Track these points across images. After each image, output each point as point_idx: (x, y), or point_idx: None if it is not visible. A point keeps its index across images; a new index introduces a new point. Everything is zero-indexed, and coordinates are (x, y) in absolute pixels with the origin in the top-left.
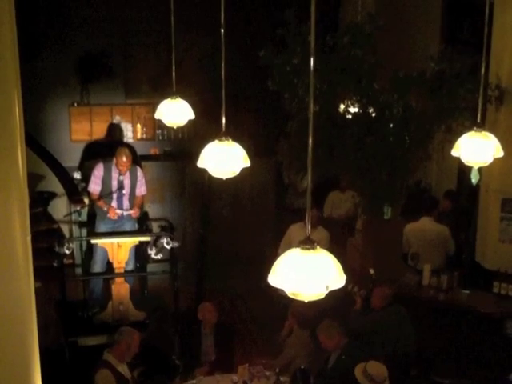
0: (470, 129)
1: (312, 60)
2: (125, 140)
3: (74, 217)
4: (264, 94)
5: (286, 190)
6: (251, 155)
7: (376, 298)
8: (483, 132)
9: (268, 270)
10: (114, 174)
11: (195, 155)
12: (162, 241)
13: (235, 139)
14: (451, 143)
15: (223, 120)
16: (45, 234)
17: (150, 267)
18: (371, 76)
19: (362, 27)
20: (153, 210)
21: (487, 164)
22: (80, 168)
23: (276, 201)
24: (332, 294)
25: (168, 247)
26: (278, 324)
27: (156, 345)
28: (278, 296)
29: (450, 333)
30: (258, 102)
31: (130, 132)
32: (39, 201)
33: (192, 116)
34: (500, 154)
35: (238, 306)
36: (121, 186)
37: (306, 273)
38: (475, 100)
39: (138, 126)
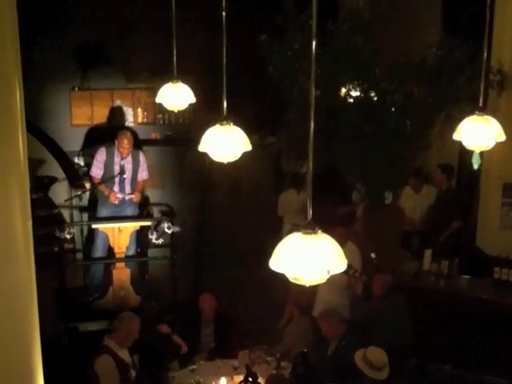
0: (471, 113)
1: (314, 43)
2: (126, 124)
3: (74, 202)
4: (264, 81)
5: (285, 178)
6: (253, 144)
7: (377, 285)
8: (485, 116)
9: (267, 258)
10: (116, 159)
11: (196, 140)
12: (162, 225)
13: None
14: (451, 130)
15: (224, 104)
16: (45, 219)
17: (151, 252)
18: (371, 63)
19: (361, 14)
20: (153, 195)
21: (489, 148)
22: (81, 153)
23: (275, 188)
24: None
25: (169, 232)
26: (277, 312)
27: (152, 332)
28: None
29: (450, 320)
30: (258, 90)
31: (131, 116)
32: (40, 186)
33: (193, 100)
34: (502, 138)
35: (237, 294)
36: (122, 171)
37: (308, 257)
38: (475, 87)
39: (139, 110)
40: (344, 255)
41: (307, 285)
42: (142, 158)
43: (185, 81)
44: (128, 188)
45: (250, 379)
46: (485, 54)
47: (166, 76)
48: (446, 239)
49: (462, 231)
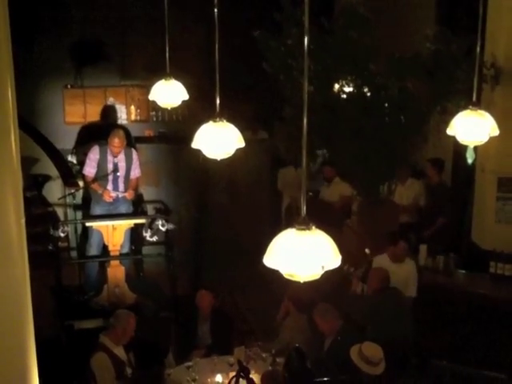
0: (465, 108)
1: (306, 40)
2: (119, 122)
3: (68, 200)
4: (260, 77)
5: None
6: (247, 139)
7: (373, 280)
8: (479, 111)
9: (262, 255)
10: (110, 157)
11: (190, 137)
12: (157, 223)
13: (230, 122)
14: (446, 124)
15: (217, 101)
16: (39, 218)
17: (146, 250)
18: (367, 58)
19: (357, 9)
20: (147, 193)
21: (483, 143)
22: (74, 151)
23: (272, 185)
24: (329, 279)
25: (163, 229)
26: (274, 308)
27: (148, 330)
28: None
29: (446, 314)
30: (254, 86)
31: (124, 114)
32: (34, 184)
33: (186, 97)
34: (496, 132)
35: (234, 292)
36: (115, 169)
37: (302, 253)
38: (471, 81)
39: (132, 107)
40: (338, 252)
41: (302, 281)
42: (134, 155)
43: (178, 77)
44: (122, 186)
45: (242, 374)
46: (478, 49)
47: (159, 73)
48: (432, 235)
49: (448, 227)
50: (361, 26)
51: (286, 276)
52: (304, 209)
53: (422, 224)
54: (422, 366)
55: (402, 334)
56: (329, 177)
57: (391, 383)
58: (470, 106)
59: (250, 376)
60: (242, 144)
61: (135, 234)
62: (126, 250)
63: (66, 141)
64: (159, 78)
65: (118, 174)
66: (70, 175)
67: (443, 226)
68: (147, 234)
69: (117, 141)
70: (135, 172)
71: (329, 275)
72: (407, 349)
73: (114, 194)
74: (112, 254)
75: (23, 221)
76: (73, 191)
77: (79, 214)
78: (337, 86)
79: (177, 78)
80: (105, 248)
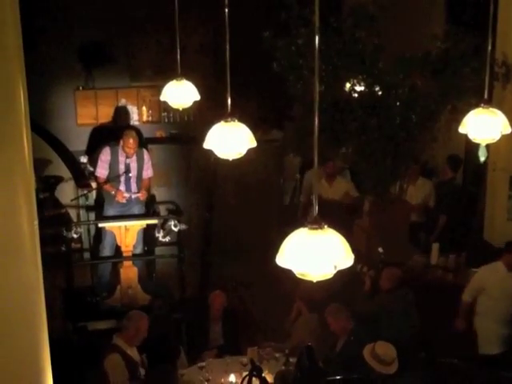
0: (476, 106)
1: (317, 38)
2: (131, 123)
3: (81, 201)
4: (269, 77)
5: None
6: (256, 139)
7: (385, 279)
8: (490, 108)
9: (274, 255)
10: (121, 158)
11: (201, 137)
12: (169, 223)
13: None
14: (457, 123)
15: (229, 101)
16: (52, 219)
17: (158, 250)
18: (375, 57)
19: (365, 8)
20: (159, 194)
21: (495, 141)
22: (87, 152)
23: (282, 185)
24: (340, 278)
25: (175, 230)
26: (285, 309)
27: (160, 330)
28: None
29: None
30: (263, 86)
31: (136, 115)
32: (46, 186)
33: (197, 97)
34: (508, 130)
35: (245, 291)
36: (127, 169)
37: (314, 253)
38: (480, 79)
39: (144, 108)
40: (351, 251)
41: (314, 280)
42: (146, 156)
43: (189, 78)
44: (134, 186)
45: (255, 373)
46: (489, 47)
47: (170, 74)
48: (439, 233)
49: (451, 225)
50: (369, 25)
51: (299, 276)
52: (316, 208)
53: (429, 223)
54: (429, 362)
55: (410, 331)
56: (331, 172)
57: (400, 381)
58: (482, 104)
59: (263, 375)
60: (253, 144)
61: (148, 234)
62: (138, 250)
63: (78, 142)
64: (169, 79)
65: (130, 174)
66: (82, 176)
67: (446, 223)
68: (160, 235)
69: (131, 141)
70: (147, 172)
71: (341, 275)
72: (415, 345)
73: (127, 195)
74: (125, 254)
75: (36, 222)
76: (85, 192)
77: (92, 216)
78: (347, 86)
79: (186, 78)
80: (117, 249)
